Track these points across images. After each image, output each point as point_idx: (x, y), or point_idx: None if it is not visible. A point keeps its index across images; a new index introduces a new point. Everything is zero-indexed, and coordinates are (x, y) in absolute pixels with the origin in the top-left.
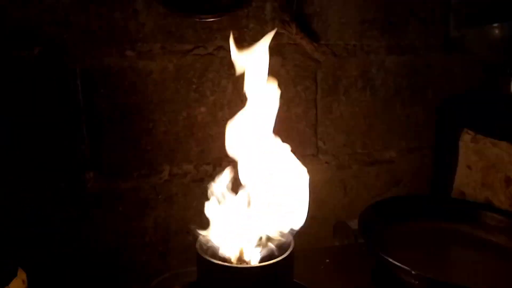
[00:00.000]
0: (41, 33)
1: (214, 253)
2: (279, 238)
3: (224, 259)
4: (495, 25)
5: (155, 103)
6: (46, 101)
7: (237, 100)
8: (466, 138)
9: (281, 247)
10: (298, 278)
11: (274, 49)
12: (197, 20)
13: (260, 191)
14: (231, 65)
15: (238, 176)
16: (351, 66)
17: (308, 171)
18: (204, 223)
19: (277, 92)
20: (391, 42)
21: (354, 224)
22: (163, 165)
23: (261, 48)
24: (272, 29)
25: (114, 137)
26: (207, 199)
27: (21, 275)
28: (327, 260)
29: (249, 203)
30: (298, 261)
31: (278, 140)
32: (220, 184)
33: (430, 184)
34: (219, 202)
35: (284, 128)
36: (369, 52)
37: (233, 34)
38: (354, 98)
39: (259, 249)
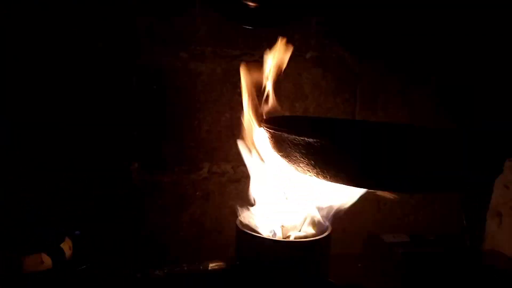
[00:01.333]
0: (106, 29)
1: (254, 230)
2: (317, 221)
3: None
4: None
5: (201, 103)
6: (104, 91)
7: (277, 106)
8: None
9: (318, 231)
10: (331, 277)
11: (316, 61)
12: (246, 28)
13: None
14: None
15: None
16: (390, 82)
17: None
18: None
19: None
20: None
21: (387, 238)
22: (203, 162)
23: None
24: (317, 41)
25: (161, 132)
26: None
27: (68, 242)
28: (359, 265)
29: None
30: (331, 263)
31: None
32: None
33: (463, 206)
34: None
35: None
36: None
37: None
38: (392, 113)
39: (297, 229)
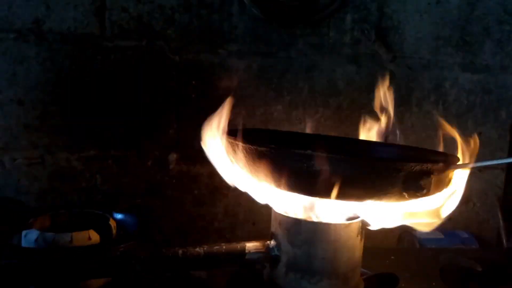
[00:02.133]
0: (149, 27)
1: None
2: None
3: None
4: None
5: (237, 97)
6: (145, 85)
7: (311, 102)
8: None
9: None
10: (365, 267)
11: (350, 57)
12: (284, 23)
13: None
14: (309, 69)
15: None
16: (424, 80)
17: None
18: None
19: None
20: (465, 60)
21: (419, 234)
22: None
23: None
24: (351, 38)
25: (198, 124)
26: None
27: (113, 222)
28: (392, 257)
29: None
30: (365, 255)
31: None
32: None
33: (501, 205)
34: None
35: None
36: (443, 68)
37: (314, 41)
38: (426, 110)
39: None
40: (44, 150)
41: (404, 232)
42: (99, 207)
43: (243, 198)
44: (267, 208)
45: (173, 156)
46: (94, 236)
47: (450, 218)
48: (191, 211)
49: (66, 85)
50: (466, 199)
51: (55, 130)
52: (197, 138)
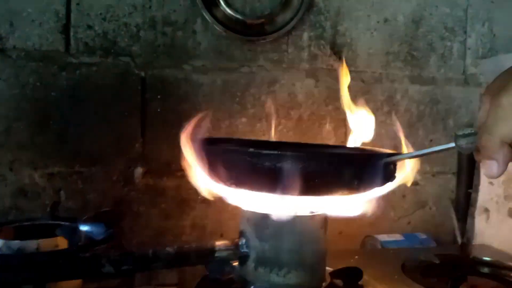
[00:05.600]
0: (115, 44)
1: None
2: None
3: None
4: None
5: (203, 111)
6: (110, 100)
7: (274, 114)
8: None
9: None
10: (330, 266)
11: (309, 72)
12: (246, 40)
13: None
14: (270, 83)
15: None
16: (377, 92)
17: None
18: None
19: None
20: (413, 73)
21: (381, 237)
22: None
23: None
24: (309, 54)
25: (164, 138)
26: None
27: (80, 231)
28: (356, 257)
29: None
30: (329, 255)
31: None
32: None
33: (455, 207)
34: None
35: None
36: (393, 81)
37: (274, 57)
38: (380, 121)
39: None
40: (6, 168)
41: (367, 237)
42: (64, 219)
43: (211, 210)
44: (233, 220)
45: (139, 170)
46: (62, 243)
47: (409, 222)
48: (159, 225)
49: (30, 101)
50: (423, 204)
51: (18, 147)
52: (164, 152)
